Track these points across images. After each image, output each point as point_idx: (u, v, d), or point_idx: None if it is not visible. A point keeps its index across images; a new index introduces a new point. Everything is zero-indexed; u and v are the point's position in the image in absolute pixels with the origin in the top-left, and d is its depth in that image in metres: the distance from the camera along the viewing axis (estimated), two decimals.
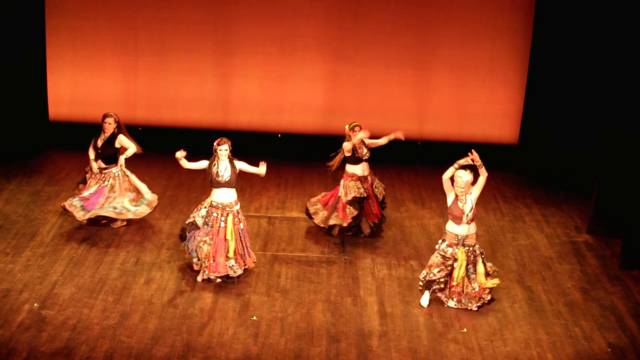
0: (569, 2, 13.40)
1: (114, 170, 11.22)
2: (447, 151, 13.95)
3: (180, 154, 9.89)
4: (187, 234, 10.05)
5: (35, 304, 9.41)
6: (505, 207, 12.75)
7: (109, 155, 11.23)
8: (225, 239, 9.97)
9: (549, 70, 13.78)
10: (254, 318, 9.39)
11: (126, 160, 11.27)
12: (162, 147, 13.28)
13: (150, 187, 11.97)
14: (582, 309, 9.89)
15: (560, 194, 13.31)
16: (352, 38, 14.08)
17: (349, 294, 10.00)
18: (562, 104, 13.78)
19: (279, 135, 14.51)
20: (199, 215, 10.00)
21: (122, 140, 11.19)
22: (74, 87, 14.29)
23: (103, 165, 11.23)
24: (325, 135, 14.23)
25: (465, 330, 9.34)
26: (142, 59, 14.20)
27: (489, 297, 9.76)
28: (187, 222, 10.13)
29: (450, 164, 9.54)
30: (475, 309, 9.69)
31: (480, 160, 9.48)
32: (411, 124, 14.33)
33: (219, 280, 10.06)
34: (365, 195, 11.20)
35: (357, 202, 11.20)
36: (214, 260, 9.96)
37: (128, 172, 11.31)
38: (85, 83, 14.26)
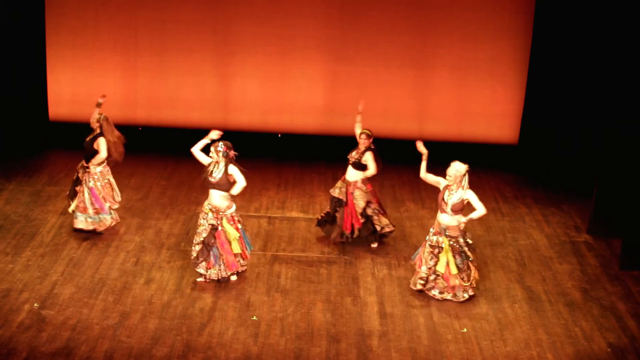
0: (569, 2, 13.39)
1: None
2: (447, 151, 13.97)
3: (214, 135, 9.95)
4: (204, 256, 10.01)
5: (35, 304, 9.41)
6: (505, 207, 12.74)
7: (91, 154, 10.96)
8: (228, 241, 9.97)
9: (549, 70, 13.76)
10: (254, 318, 9.39)
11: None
12: (162, 147, 13.27)
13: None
14: (582, 309, 9.89)
15: (560, 194, 13.30)
16: (352, 38, 14.07)
17: (349, 294, 10.00)
18: (562, 103, 13.76)
19: (279, 135, 14.50)
20: (207, 223, 9.90)
21: (100, 143, 10.83)
22: (74, 87, 14.27)
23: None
24: (325, 135, 14.23)
25: (465, 330, 9.34)
26: (142, 59, 14.18)
27: (470, 291, 9.90)
28: (198, 244, 9.97)
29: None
30: (466, 296, 9.85)
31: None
32: (411, 124, 14.32)
33: (234, 277, 10.11)
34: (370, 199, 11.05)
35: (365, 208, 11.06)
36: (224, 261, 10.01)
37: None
38: (85, 83, 14.24)
